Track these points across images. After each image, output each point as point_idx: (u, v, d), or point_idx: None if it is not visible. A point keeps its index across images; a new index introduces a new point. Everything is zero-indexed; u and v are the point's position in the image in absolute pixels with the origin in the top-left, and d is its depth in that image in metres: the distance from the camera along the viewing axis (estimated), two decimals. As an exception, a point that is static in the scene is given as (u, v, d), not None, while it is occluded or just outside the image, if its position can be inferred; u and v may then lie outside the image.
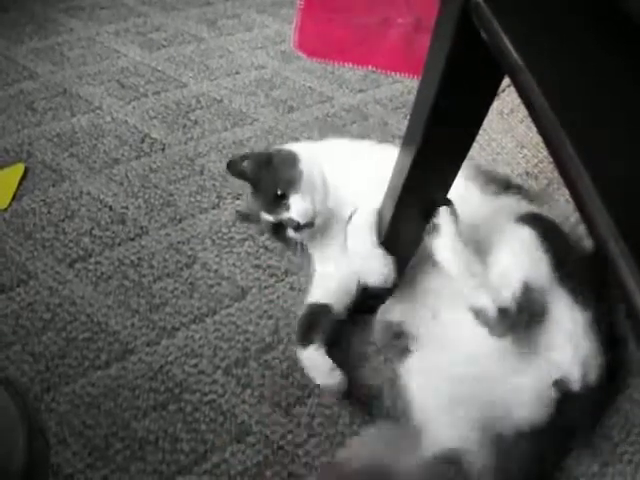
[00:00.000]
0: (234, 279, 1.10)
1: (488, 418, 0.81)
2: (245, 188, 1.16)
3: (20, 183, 1.27)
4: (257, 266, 1.12)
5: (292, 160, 1.07)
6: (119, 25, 1.90)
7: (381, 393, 0.92)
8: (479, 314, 0.81)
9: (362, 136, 1.40)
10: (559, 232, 0.95)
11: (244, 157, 1.10)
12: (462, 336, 0.87)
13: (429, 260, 0.90)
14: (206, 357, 0.97)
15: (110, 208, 1.22)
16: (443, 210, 0.85)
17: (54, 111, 1.49)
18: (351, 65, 1.76)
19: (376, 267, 0.92)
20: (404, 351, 0.91)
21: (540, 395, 0.82)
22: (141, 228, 1.18)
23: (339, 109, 1.57)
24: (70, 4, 1.99)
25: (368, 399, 0.93)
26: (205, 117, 1.50)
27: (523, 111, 0.92)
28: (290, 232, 1.04)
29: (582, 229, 0.99)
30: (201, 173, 1.32)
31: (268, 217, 1.06)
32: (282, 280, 1.10)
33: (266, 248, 1.15)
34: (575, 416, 0.83)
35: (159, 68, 1.68)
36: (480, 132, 0.78)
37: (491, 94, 0.72)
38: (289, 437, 0.88)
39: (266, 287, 1.09)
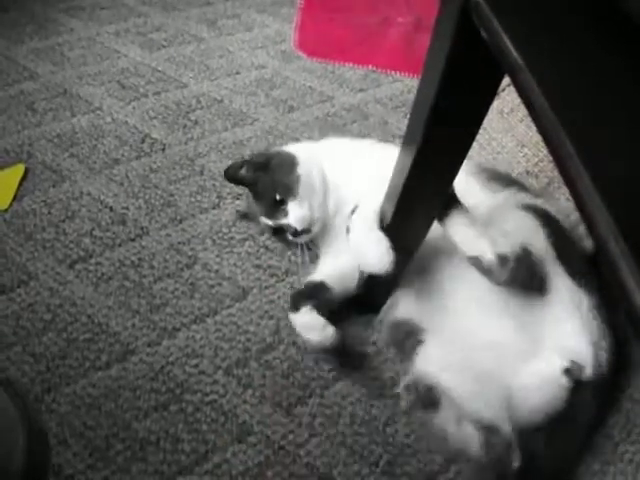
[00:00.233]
0: (235, 279, 1.09)
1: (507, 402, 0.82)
2: (245, 188, 1.16)
3: (20, 184, 1.27)
4: (258, 266, 1.12)
5: (290, 164, 1.08)
6: (119, 25, 1.90)
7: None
8: (478, 261, 0.82)
9: (362, 135, 1.40)
10: (561, 225, 0.96)
11: (242, 164, 1.11)
12: (473, 324, 0.88)
13: (432, 256, 0.91)
14: (207, 357, 0.97)
15: (110, 209, 1.22)
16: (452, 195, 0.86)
17: (54, 111, 1.49)
18: (351, 64, 1.76)
19: (374, 251, 0.90)
20: (415, 346, 0.91)
21: (552, 382, 0.82)
22: (141, 228, 1.18)
23: (339, 109, 1.57)
24: (70, 4, 1.99)
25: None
26: (205, 117, 1.50)
27: (523, 110, 0.93)
28: (289, 236, 1.07)
29: (582, 229, 0.99)
30: (201, 173, 1.32)
31: (267, 221, 1.08)
32: (283, 280, 1.10)
33: (267, 248, 1.15)
34: (584, 405, 0.84)
35: (159, 68, 1.68)
36: (480, 131, 0.78)
37: (491, 93, 0.72)
38: (290, 437, 0.88)
39: (267, 287, 1.09)
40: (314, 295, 0.95)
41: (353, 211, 0.97)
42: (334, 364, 0.97)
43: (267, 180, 1.08)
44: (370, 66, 1.75)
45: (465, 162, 0.79)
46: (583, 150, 0.41)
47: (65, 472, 0.82)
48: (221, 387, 0.93)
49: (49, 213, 1.20)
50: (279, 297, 1.06)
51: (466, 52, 0.63)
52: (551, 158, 0.46)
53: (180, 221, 1.20)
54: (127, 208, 1.22)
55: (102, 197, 1.24)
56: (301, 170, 1.07)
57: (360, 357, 0.98)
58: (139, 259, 1.12)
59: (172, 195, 1.26)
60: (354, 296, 1.01)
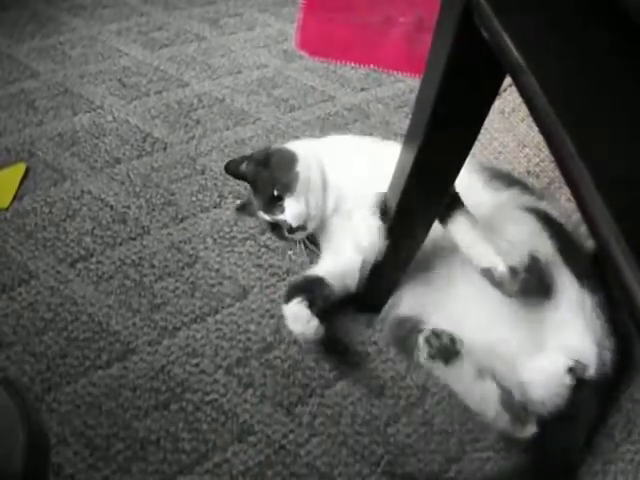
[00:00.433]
0: (235, 278, 1.09)
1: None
2: (247, 187, 1.16)
3: (21, 182, 1.26)
4: (259, 265, 1.12)
5: (289, 161, 1.08)
6: (121, 24, 1.89)
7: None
8: (490, 273, 0.82)
9: (364, 135, 1.40)
10: (564, 227, 0.97)
11: (243, 159, 1.12)
12: (477, 321, 0.88)
13: (434, 254, 0.91)
14: (207, 357, 0.97)
15: (111, 207, 1.22)
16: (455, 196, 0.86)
17: (55, 110, 1.49)
18: (353, 64, 1.75)
19: (369, 233, 0.92)
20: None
21: (555, 380, 0.82)
22: (142, 227, 1.18)
23: (341, 108, 1.57)
24: (72, 3, 1.98)
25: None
26: (207, 116, 1.50)
27: (524, 110, 0.92)
28: (285, 232, 1.07)
29: (583, 229, 0.99)
30: (203, 172, 1.32)
31: (265, 216, 1.09)
32: (283, 279, 1.10)
33: (267, 247, 1.15)
34: (586, 404, 0.84)
35: (161, 67, 1.68)
36: (482, 131, 0.78)
37: (492, 93, 0.72)
38: (291, 437, 0.88)
39: (267, 286, 1.08)
40: (309, 289, 0.95)
41: (354, 206, 0.98)
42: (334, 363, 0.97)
43: (266, 176, 1.09)
44: (372, 66, 1.75)
45: (467, 160, 0.79)
46: (584, 150, 0.41)
47: (65, 471, 0.82)
48: (222, 386, 0.93)
49: (50, 212, 1.20)
50: (280, 296, 1.06)
51: (467, 52, 0.63)
52: (552, 158, 0.46)
53: (181, 220, 1.20)
54: (128, 207, 1.22)
55: (103, 196, 1.24)
56: (300, 167, 1.07)
57: (360, 357, 0.98)
58: (140, 258, 1.12)
59: (173, 194, 1.26)
60: (355, 295, 1.01)
